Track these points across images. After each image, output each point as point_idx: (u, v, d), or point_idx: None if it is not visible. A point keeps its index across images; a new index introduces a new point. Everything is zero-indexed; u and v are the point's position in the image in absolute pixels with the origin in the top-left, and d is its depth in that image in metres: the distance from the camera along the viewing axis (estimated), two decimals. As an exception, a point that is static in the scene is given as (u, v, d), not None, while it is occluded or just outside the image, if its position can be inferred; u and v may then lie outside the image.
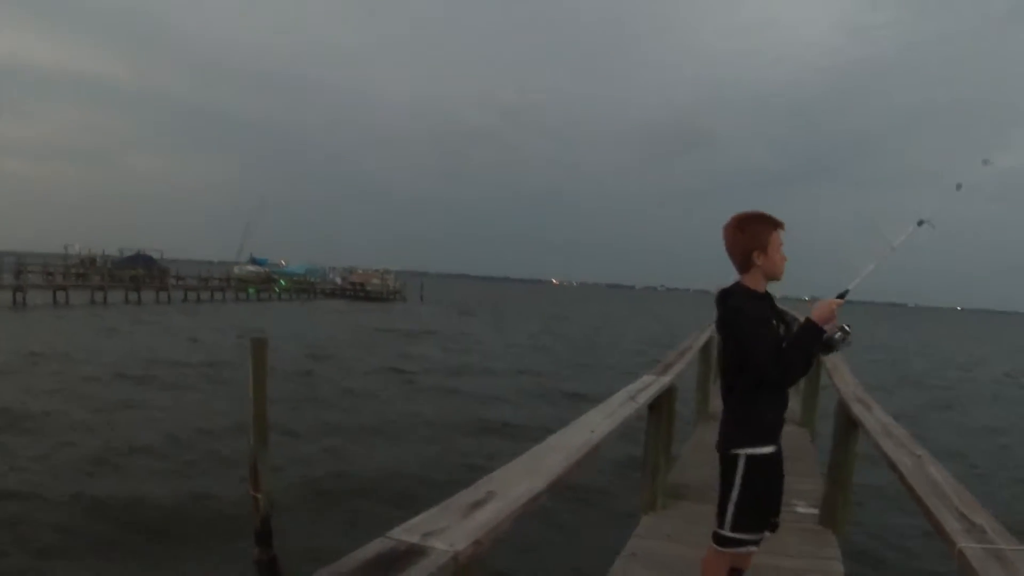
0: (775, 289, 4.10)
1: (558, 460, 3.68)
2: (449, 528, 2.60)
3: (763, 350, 3.72)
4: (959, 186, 3.99)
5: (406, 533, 2.52)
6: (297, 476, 12.02)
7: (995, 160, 4.27)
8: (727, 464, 3.97)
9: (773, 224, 3.87)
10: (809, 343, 3.76)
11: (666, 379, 6.70)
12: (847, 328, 3.83)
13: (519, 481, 3.23)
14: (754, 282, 3.91)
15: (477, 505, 2.87)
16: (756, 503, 3.94)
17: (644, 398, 5.82)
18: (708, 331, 11.41)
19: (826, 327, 3.77)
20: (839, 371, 7.80)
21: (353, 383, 22.12)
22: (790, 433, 4.06)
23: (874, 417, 5.53)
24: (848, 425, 6.09)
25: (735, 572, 4.37)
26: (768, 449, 3.93)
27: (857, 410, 5.82)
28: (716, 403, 11.61)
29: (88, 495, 10.75)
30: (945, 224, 3.93)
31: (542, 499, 3.18)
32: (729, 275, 4.02)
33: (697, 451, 9.20)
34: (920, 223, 3.93)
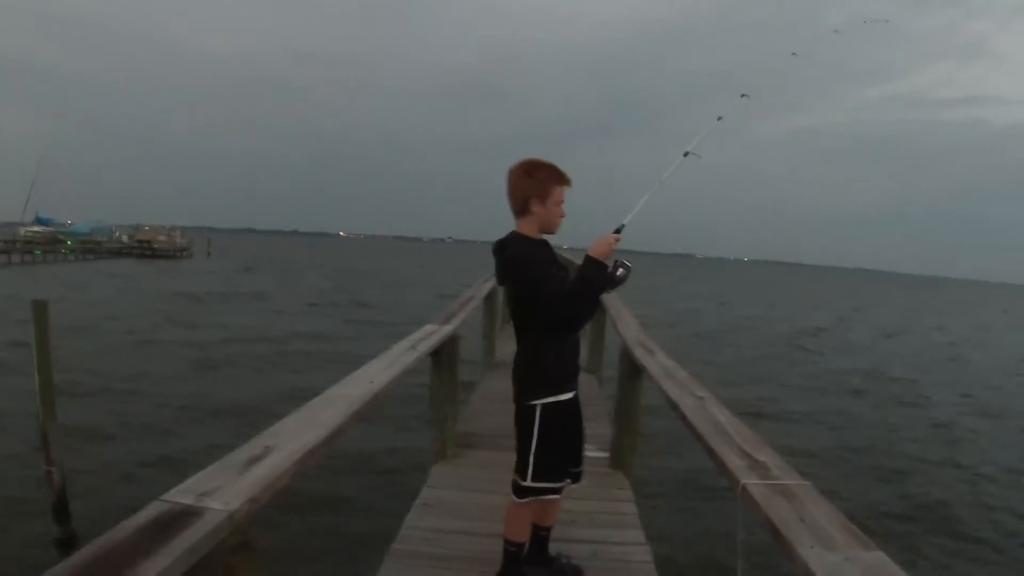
0: (553, 241, 4.14)
1: (337, 412, 3.64)
2: (224, 487, 2.55)
3: (551, 292, 3.76)
4: (719, 118, 4.27)
5: (181, 494, 2.46)
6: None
7: (753, 96, 4.50)
8: (524, 414, 4.02)
9: (559, 178, 3.89)
10: (592, 279, 3.82)
11: (448, 328, 6.79)
12: (627, 263, 3.93)
13: (297, 435, 3.19)
14: (529, 229, 3.94)
15: (253, 461, 2.81)
16: (555, 451, 4.03)
17: (425, 347, 5.86)
18: (492, 281, 11.58)
19: (607, 262, 3.86)
20: (622, 318, 8.08)
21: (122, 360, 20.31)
22: (579, 379, 4.14)
23: (656, 362, 5.79)
24: (632, 370, 6.37)
25: (541, 530, 4.49)
26: (565, 396, 4.02)
27: (640, 355, 6.08)
28: (502, 352, 11.93)
29: None
30: (715, 158, 4.12)
31: (321, 452, 3.15)
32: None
33: (485, 400, 9.41)
34: (685, 154, 4.22)
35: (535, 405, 3.95)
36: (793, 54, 4.97)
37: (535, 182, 3.87)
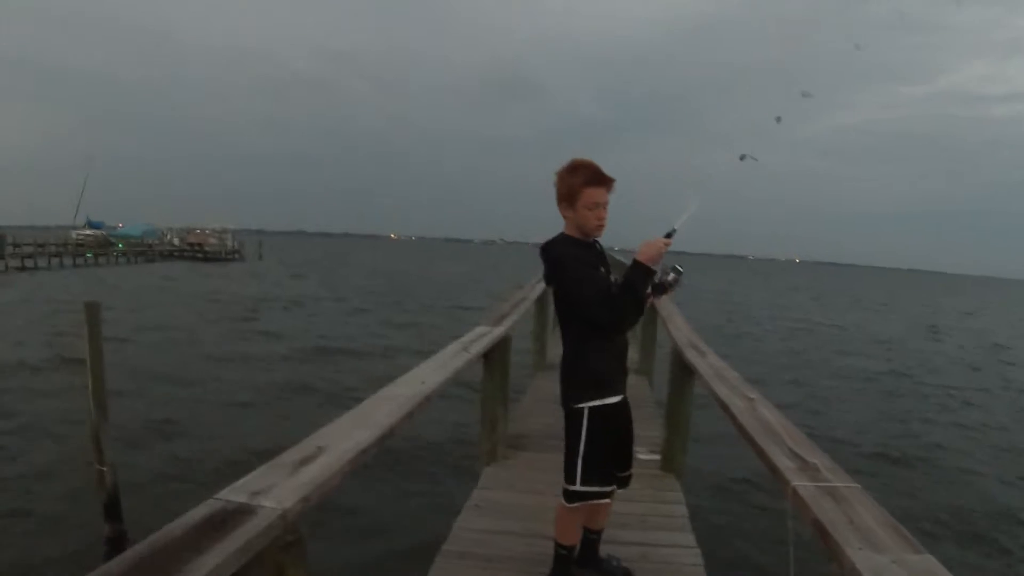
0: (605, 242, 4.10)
1: (388, 412, 3.70)
2: (277, 486, 2.60)
3: (590, 294, 3.75)
4: (778, 119, 4.16)
5: (234, 493, 2.52)
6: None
7: (815, 94, 4.39)
8: (572, 418, 4.02)
9: (591, 180, 3.78)
10: (638, 284, 3.76)
11: (500, 329, 6.81)
12: (679, 268, 3.88)
13: (348, 435, 3.24)
14: (571, 231, 3.92)
15: (305, 461, 2.87)
16: (603, 455, 4.01)
17: (477, 349, 5.89)
18: (543, 282, 11.55)
19: (655, 268, 3.79)
20: (673, 319, 8.06)
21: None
22: (629, 382, 4.12)
23: (707, 363, 5.78)
24: (683, 371, 6.35)
25: (591, 532, 4.49)
26: (612, 400, 3.99)
27: (691, 356, 6.06)
28: (553, 353, 11.93)
29: None
30: (766, 158, 4.04)
31: (372, 452, 3.20)
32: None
33: (535, 401, 9.42)
34: (742, 157, 4.07)
35: (582, 408, 3.94)
36: (856, 47, 4.79)
37: (563, 185, 3.83)
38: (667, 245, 3.81)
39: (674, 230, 3.88)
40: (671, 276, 3.86)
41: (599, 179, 3.78)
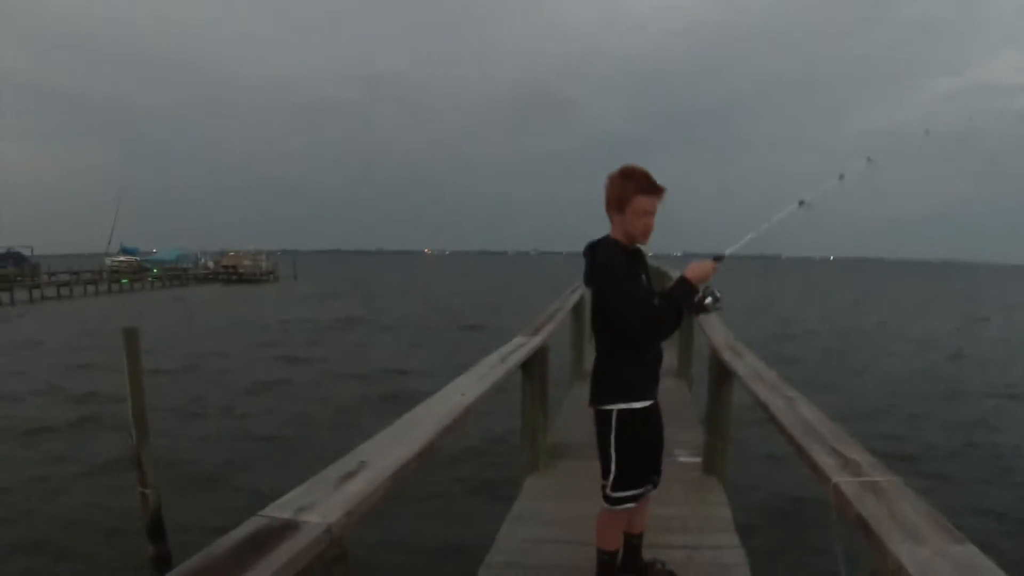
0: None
1: (428, 426, 3.72)
2: (321, 501, 2.63)
3: (631, 306, 3.78)
4: (841, 177, 4.21)
5: (278, 510, 2.54)
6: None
7: (878, 162, 4.45)
8: (601, 420, 4.05)
9: (642, 187, 3.81)
10: (681, 300, 3.85)
11: (537, 340, 6.82)
12: (717, 295, 3.94)
13: (390, 450, 3.27)
14: (618, 235, 3.94)
15: (348, 477, 2.89)
16: (634, 459, 4.03)
17: (515, 359, 5.90)
18: (579, 292, 11.53)
19: (699, 287, 3.88)
20: (710, 322, 8.02)
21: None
22: (668, 386, 4.13)
23: (745, 364, 5.74)
24: (721, 374, 6.33)
25: (632, 537, 4.50)
26: (640, 404, 4.01)
27: (729, 358, 6.03)
28: (590, 361, 11.85)
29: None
30: (821, 209, 4.10)
31: (413, 466, 3.22)
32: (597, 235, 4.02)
33: (574, 410, 9.38)
34: (801, 203, 4.15)
35: (610, 411, 3.97)
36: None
37: (614, 190, 3.87)
38: (715, 269, 3.91)
39: (723, 256, 3.98)
40: (709, 300, 3.93)
41: (651, 187, 3.83)
